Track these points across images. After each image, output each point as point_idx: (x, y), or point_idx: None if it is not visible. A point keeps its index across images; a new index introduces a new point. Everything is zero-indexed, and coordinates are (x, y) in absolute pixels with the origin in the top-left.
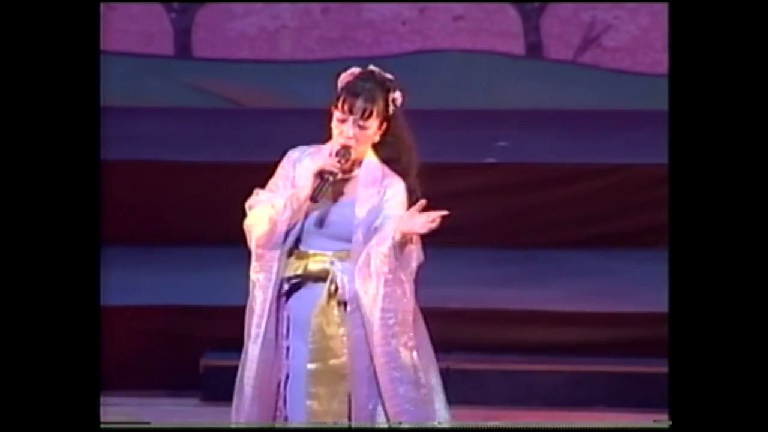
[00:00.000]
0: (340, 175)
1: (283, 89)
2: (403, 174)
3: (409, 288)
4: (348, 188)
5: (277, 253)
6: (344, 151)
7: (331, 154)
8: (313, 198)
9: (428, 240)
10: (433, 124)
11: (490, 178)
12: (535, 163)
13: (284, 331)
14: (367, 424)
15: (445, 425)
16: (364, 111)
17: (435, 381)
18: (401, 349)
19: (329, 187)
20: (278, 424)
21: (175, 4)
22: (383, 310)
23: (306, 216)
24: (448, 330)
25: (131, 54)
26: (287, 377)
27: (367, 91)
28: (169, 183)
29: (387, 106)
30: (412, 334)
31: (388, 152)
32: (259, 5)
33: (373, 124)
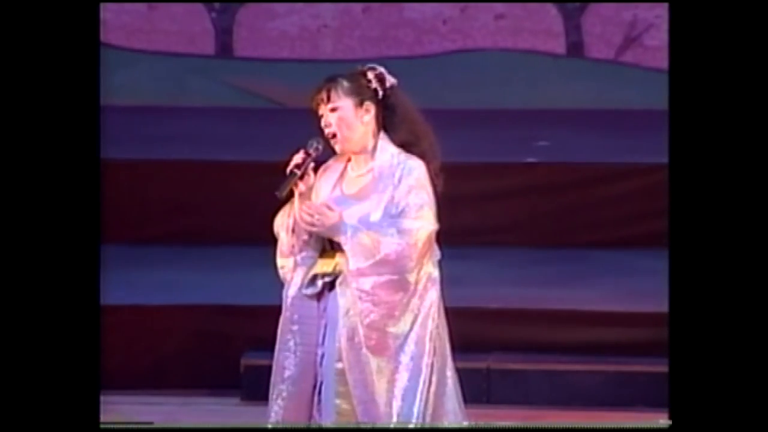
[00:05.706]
0: (311, 166)
1: None
2: (425, 160)
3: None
4: (366, 183)
5: (289, 262)
6: (312, 142)
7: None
8: (277, 192)
9: (468, 240)
10: (473, 124)
11: (530, 177)
12: (576, 163)
13: (320, 339)
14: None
15: (446, 425)
16: (322, 94)
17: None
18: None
19: (297, 180)
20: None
21: (217, 4)
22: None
23: None
24: (488, 329)
25: (173, 54)
26: (321, 383)
27: (327, 79)
28: (209, 182)
29: (365, 87)
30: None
31: (405, 137)
32: (300, 4)
33: (344, 104)
